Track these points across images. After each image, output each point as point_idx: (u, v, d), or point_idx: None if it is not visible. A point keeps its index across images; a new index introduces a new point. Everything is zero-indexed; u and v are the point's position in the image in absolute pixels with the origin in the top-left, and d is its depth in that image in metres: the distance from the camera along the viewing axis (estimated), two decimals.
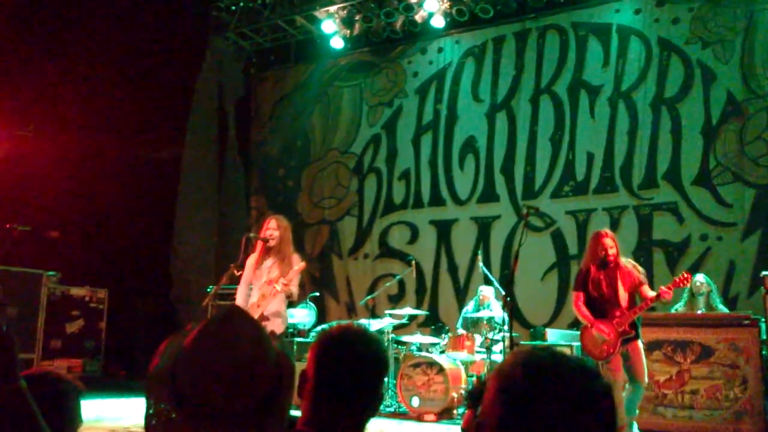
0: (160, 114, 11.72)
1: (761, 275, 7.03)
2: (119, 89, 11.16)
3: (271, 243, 6.59)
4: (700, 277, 7.90)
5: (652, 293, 6.07)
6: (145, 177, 11.57)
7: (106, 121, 11.10)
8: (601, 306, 6.20)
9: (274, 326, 6.39)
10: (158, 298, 11.89)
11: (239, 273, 6.69)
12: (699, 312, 7.57)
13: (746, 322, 6.86)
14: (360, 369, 1.94)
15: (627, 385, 6.23)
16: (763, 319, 6.85)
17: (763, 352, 6.73)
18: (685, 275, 6.06)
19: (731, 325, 6.90)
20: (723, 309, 7.95)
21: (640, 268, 6.41)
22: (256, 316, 6.29)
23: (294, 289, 6.49)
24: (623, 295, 6.15)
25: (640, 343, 6.17)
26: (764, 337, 6.79)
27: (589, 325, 6.25)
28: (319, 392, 1.89)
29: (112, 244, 11.33)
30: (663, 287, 6.00)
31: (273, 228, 6.63)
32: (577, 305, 6.39)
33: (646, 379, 6.28)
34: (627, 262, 6.41)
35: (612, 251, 6.21)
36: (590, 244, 6.46)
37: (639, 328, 6.23)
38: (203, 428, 1.45)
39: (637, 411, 6.30)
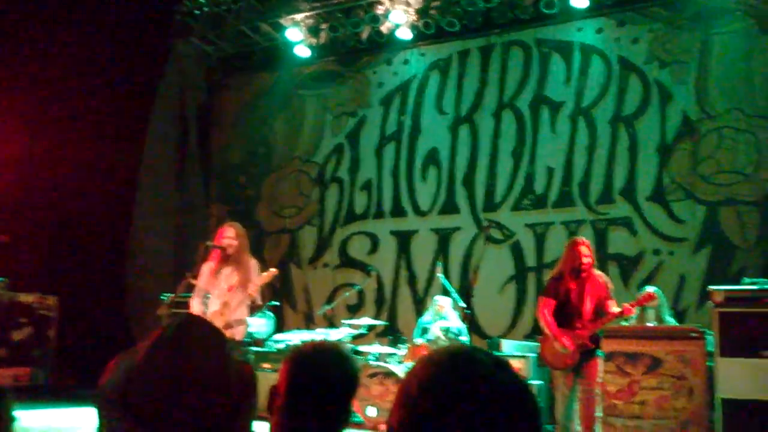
0: (120, 118, 11.63)
1: (709, 289, 7.18)
2: (78, 92, 11.05)
3: (230, 251, 6.60)
4: (652, 290, 8.06)
5: (616, 309, 6.02)
6: (102, 182, 11.43)
7: (63, 124, 10.97)
8: (565, 316, 6.10)
9: (237, 334, 6.40)
10: (113, 306, 11.70)
11: (196, 282, 6.68)
12: (649, 324, 7.72)
13: (694, 334, 7.02)
14: (332, 386, 1.93)
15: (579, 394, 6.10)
16: (710, 332, 7.00)
17: (709, 364, 6.89)
18: (649, 293, 6.12)
19: (679, 337, 7.07)
20: (672, 322, 8.12)
21: (610, 284, 6.31)
22: (221, 323, 6.31)
23: (257, 294, 6.53)
24: (588, 308, 6.06)
25: (599, 359, 6.09)
26: (710, 349, 6.94)
27: (552, 337, 6.11)
28: (290, 408, 1.88)
29: (66, 250, 11.16)
30: (626, 304, 6.00)
31: (231, 237, 6.64)
32: (542, 313, 6.22)
33: (597, 391, 6.09)
34: (599, 275, 6.30)
35: (586, 260, 6.10)
36: (566, 252, 6.30)
37: (600, 342, 6.16)
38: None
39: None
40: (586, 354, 6.01)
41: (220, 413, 1.45)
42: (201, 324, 1.59)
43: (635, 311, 6.34)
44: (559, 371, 6.20)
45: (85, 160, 11.25)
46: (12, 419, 2.20)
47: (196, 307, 6.64)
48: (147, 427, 1.39)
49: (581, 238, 6.43)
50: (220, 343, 1.56)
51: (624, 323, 7.84)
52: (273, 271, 6.66)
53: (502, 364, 1.22)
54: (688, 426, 6.82)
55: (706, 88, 9.72)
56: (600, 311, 6.08)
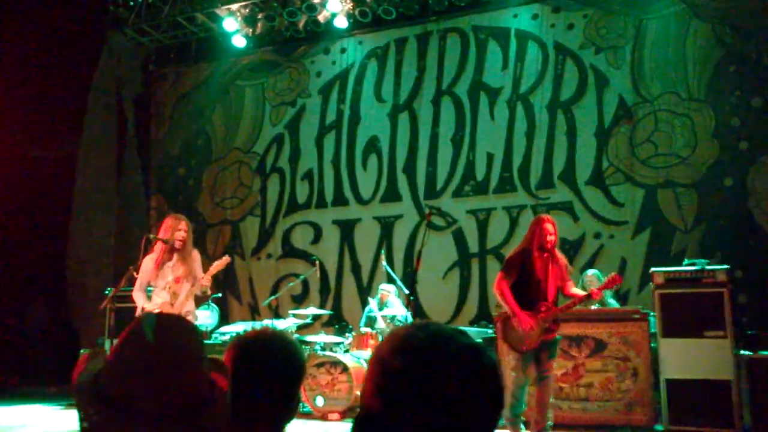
0: (55, 111, 11.33)
1: (650, 271, 7.33)
2: (10, 85, 10.73)
3: (178, 245, 6.54)
4: (591, 274, 8.22)
5: (581, 292, 5.97)
6: (38, 176, 11.15)
7: None
8: (528, 296, 5.87)
9: None
10: (53, 302, 11.47)
11: (138, 275, 6.59)
12: (592, 308, 7.85)
13: (636, 316, 7.16)
14: (277, 373, 1.89)
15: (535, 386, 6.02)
16: (652, 314, 7.16)
17: (652, 345, 7.05)
18: (614, 275, 5.94)
19: (623, 319, 7.19)
20: (614, 304, 8.29)
21: (569, 266, 6.22)
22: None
23: (209, 282, 6.53)
24: (551, 289, 5.91)
25: (557, 344, 6.05)
26: (653, 330, 7.10)
27: (512, 315, 5.87)
28: (235, 397, 1.83)
29: (2, 246, 10.89)
30: (594, 288, 5.96)
31: (184, 230, 6.58)
32: (502, 288, 5.92)
33: (553, 376, 6.10)
34: (561, 256, 6.17)
35: (551, 238, 5.92)
36: (531, 229, 6.07)
37: (559, 323, 6.03)
38: (132, 430, 1.40)
39: (551, 418, 6.02)
40: (548, 336, 5.88)
41: (191, 402, 1.45)
42: (172, 316, 1.58)
43: (602, 295, 6.32)
44: (515, 354, 6.00)
45: (20, 154, 10.95)
46: None
47: (139, 300, 6.57)
48: (122, 414, 1.40)
49: (547, 216, 6.23)
50: (191, 332, 1.55)
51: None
52: (226, 258, 6.67)
53: (461, 331, 1.31)
54: (634, 407, 6.98)
55: (642, 72, 9.91)
56: (561, 293, 6.01)
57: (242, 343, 1.95)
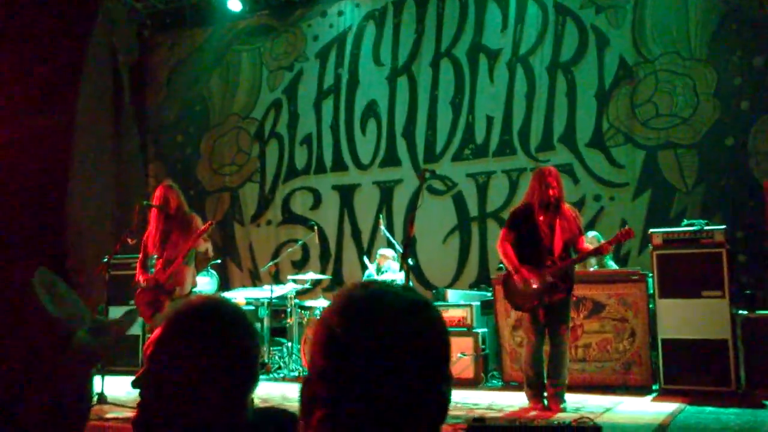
0: (49, 79, 11.24)
1: (649, 233, 7.28)
2: (2, 52, 10.64)
3: (169, 211, 6.53)
4: (592, 237, 8.16)
5: (590, 246, 5.78)
6: (35, 146, 11.09)
7: None
8: (532, 251, 5.71)
9: (181, 291, 6.37)
10: (53, 270, 11.46)
11: (133, 241, 6.58)
12: (591, 269, 7.82)
13: (635, 277, 7.13)
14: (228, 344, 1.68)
15: (548, 347, 5.85)
16: (651, 275, 7.11)
17: (650, 306, 7.02)
18: (627, 229, 5.72)
19: (621, 281, 7.17)
20: (613, 266, 8.26)
21: (580, 218, 5.97)
22: (162, 281, 6.28)
23: (208, 245, 6.51)
24: (558, 244, 5.67)
25: (570, 303, 5.85)
26: (651, 291, 7.06)
27: (513, 270, 5.74)
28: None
29: (1, 216, 10.87)
30: (604, 242, 5.78)
31: (169, 196, 6.57)
32: (503, 244, 5.80)
33: (566, 340, 5.88)
34: (569, 208, 5.90)
35: (553, 191, 5.66)
36: (532, 182, 5.87)
37: (572, 283, 5.86)
38: None
39: (565, 378, 5.82)
40: (556, 295, 5.69)
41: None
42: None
43: (612, 248, 6.13)
44: (523, 316, 5.90)
45: (15, 124, 10.87)
46: None
47: (142, 266, 6.65)
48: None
49: (549, 168, 5.97)
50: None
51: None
52: (209, 222, 6.62)
53: (409, 288, 1.31)
54: (631, 367, 6.98)
55: (643, 32, 9.77)
56: (572, 248, 5.75)
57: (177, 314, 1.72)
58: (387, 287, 1.26)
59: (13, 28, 10.68)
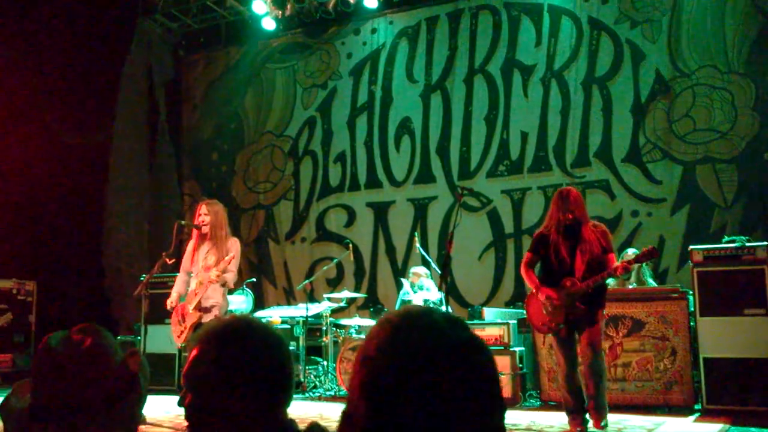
0: (87, 98, 11.39)
1: (689, 249, 7.16)
2: (44, 74, 10.80)
3: (204, 230, 6.52)
4: (631, 254, 8.04)
5: (615, 264, 5.50)
6: (73, 164, 11.22)
7: (30, 106, 10.74)
8: (554, 274, 5.59)
9: (213, 315, 6.29)
10: (90, 289, 11.58)
11: (171, 261, 6.58)
12: (630, 287, 7.71)
13: (675, 295, 7.00)
14: (260, 361, 1.74)
15: (582, 367, 5.61)
16: (691, 292, 6.99)
17: (691, 324, 6.90)
18: (651, 248, 5.58)
19: (661, 298, 7.04)
20: (652, 283, 8.14)
21: (609, 235, 5.79)
22: (193, 304, 6.24)
23: (229, 276, 6.37)
24: (579, 266, 5.51)
25: (599, 323, 5.56)
26: (692, 309, 6.94)
27: (534, 291, 5.66)
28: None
29: (40, 234, 10.99)
30: (624, 261, 5.58)
31: (204, 213, 6.56)
32: (524, 266, 5.75)
33: (598, 357, 5.56)
34: (594, 226, 5.72)
35: (571, 213, 5.54)
36: (552, 205, 5.77)
37: (601, 300, 5.63)
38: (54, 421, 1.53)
39: (603, 394, 5.57)
40: (582, 316, 5.53)
41: (104, 397, 1.65)
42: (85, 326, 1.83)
43: (632, 268, 5.96)
44: (550, 336, 5.75)
45: (54, 143, 11.03)
46: None
47: (179, 285, 6.61)
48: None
49: (567, 189, 5.81)
50: (100, 341, 1.83)
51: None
52: (231, 255, 6.34)
53: (456, 322, 1.22)
54: (673, 386, 6.85)
55: (679, 45, 9.68)
56: (597, 268, 5.53)
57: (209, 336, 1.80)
58: (436, 321, 1.19)
59: (53, 49, 10.85)
